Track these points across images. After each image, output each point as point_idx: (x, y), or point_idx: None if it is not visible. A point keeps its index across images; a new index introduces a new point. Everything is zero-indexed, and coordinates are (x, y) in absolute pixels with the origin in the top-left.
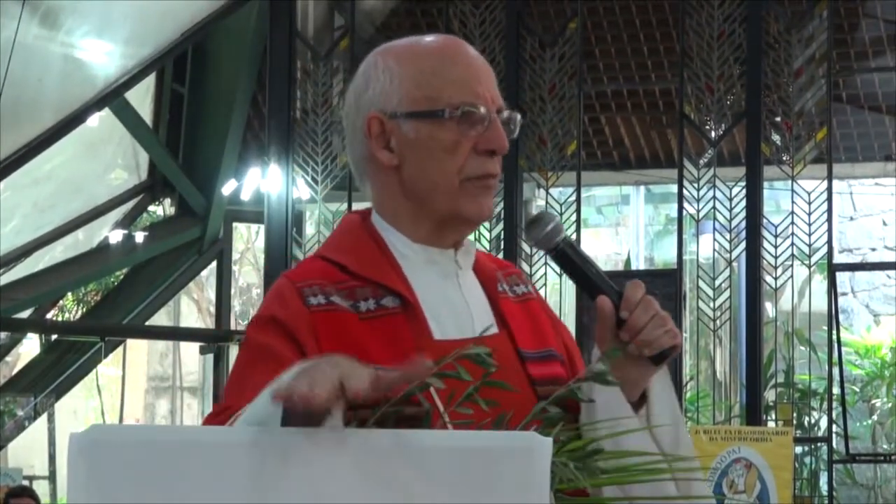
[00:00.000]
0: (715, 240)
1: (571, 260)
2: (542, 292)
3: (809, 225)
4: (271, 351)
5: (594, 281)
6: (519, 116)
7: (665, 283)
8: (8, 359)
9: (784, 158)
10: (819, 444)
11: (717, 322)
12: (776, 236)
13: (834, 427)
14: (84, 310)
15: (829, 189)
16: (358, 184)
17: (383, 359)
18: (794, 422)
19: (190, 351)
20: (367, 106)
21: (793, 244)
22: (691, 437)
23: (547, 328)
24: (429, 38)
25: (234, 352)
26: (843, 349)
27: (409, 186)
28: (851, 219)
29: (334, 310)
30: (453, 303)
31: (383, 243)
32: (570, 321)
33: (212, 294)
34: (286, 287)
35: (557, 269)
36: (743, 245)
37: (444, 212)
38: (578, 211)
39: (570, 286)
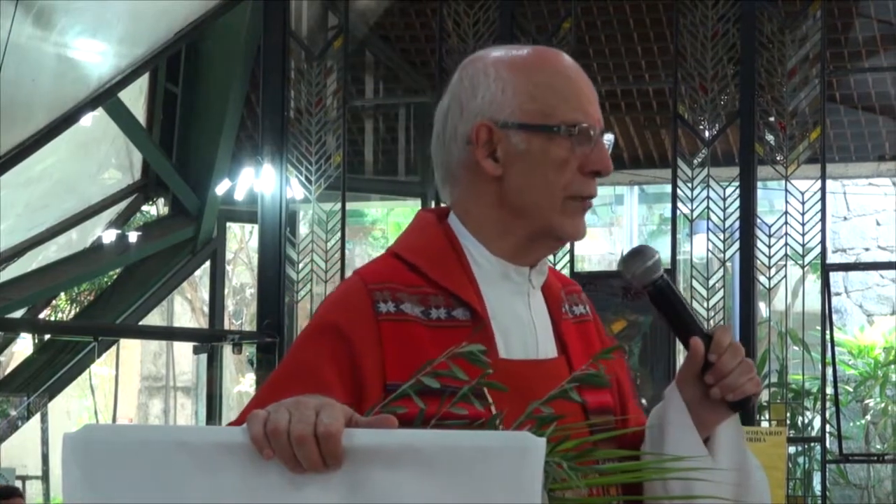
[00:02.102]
0: (709, 240)
1: (668, 298)
2: None
3: (803, 225)
4: (315, 373)
5: (687, 321)
6: (612, 137)
7: None
8: (1, 358)
9: (778, 158)
10: (812, 444)
11: (711, 322)
12: (770, 236)
13: (827, 427)
14: (77, 309)
15: (823, 189)
16: (439, 187)
17: (440, 368)
18: (788, 422)
19: (183, 351)
20: (474, 113)
21: (786, 244)
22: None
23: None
24: (529, 49)
25: (227, 351)
26: (837, 349)
27: (509, 198)
28: (845, 219)
29: (403, 319)
30: (522, 322)
31: (460, 249)
32: None
33: (205, 294)
34: (357, 290)
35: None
36: (737, 245)
37: (540, 227)
38: None
39: None
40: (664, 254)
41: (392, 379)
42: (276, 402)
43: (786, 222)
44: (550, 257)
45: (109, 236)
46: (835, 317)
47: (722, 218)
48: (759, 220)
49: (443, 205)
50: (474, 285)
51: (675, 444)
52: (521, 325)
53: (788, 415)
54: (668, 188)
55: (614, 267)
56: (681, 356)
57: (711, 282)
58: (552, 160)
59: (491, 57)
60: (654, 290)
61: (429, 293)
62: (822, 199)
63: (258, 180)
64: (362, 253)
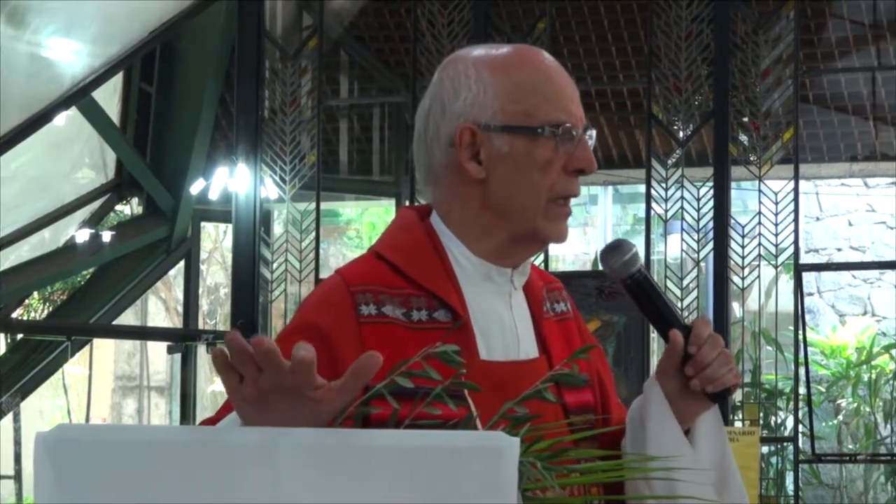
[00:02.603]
0: (683, 240)
1: (646, 291)
2: None
3: (776, 225)
4: None
5: (665, 314)
6: (595, 133)
7: None
8: None
9: (751, 159)
10: (785, 444)
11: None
12: (743, 236)
13: (800, 427)
14: (50, 309)
15: (796, 189)
16: (421, 188)
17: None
18: (761, 421)
19: (157, 350)
20: (457, 115)
21: (760, 244)
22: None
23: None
24: (509, 49)
25: (201, 351)
26: (810, 349)
27: (493, 200)
28: (818, 219)
29: (384, 322)
30: (503, 323)
31: (442, 249)
32: None
33: (179, 293)
34: (339, 291)
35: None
36: (710, 245)
37: (524, 230)
38: None
39: None
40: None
41: (374, 382)
42: None
43: (759, 222)
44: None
45: (83, 236)
46: (807, 317)
47: (696, 218)
48: (732, 221)
49: (423, 202)
50: (456, 286)
51: (657, 436)
52: (503, 326)
53: (761, 415)
54: (643, 188)
55: (588, 267)
56: (655, 357)
57: (685, 282)
58: (536, 161)
59: (471, 57)
60: (633, 282)
61: (410, 294)
62: (796, 199)
63: (232, 180)
64: (337, 253)
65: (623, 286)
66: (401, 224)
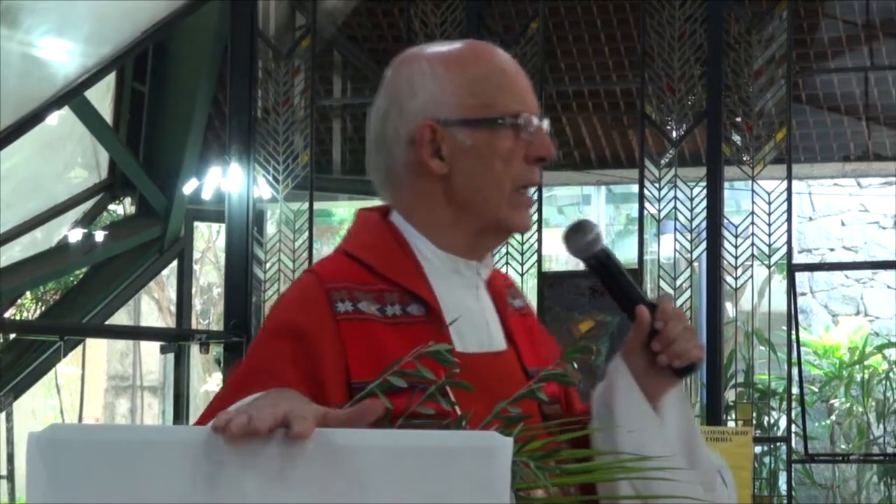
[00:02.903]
0: (676, 240)
1: (609, 269)
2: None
3: (769, 225)
4: (276, 374)
5: (628, 291)
6: (548, 123)
7: None
8: None
9: (744, 159)
10: (778, 444)
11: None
12: (736, 236)
13: (793, 427)
14: (43, 309)
15: (789, 189)
16: (378, 190)
17: (406, 367)
18: (754, 421)
19: (150, 350)
20: (415, 113)
21: (753, 244)
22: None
23: (539, 344)
24: (462, 44)
25: (194, 351)
26: (802, 349)
27: (458, 195)
28: (810, 219)
29: (361, 318)
30: (474, 315)
31: (408, 246)
32: None
33: (172, 293)
34: (314, 288)
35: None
36: (704, 245)
37: (490, 221)
38: (540, 211)
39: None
40: (632, 254)
41: (357, 377)
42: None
43: (752, 222)
44: (518, 257)
45: (75, 235)
46: (800, 317)
47: (689, 218)
48: (725, 221)
49: (381, 204)
50: (426, 281)
51: (626, 413)
52: (474, 319)
53: (754, 414)
54: (636, 188)
55: (582, 267)
56: None
57: (679, 282)
58: (498, 152)
59: (425, 55)
60: (596, 261)
61: (383, 290)
62: (788, 199)
63: (225, 180)
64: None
65: (587, 265)
66: (364, 225)
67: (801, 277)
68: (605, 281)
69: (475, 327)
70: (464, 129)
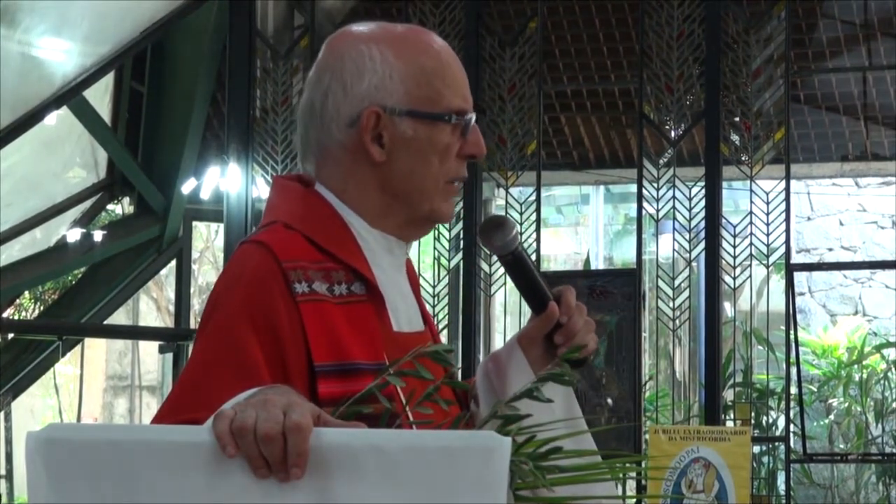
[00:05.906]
0: (674, 239)
1: (525, 265)
2: (500, 293)
3: (767, 225)
4: (241, 355)
5: (538, 287)
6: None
7: (624, 283)
8: None
9: (742, 158)
10: (777, 444)
11: (677, 322)
12: (735, 236)
13: (791, 427)
14: (41, 308)
15: (787, 189)
16: (305, 163)
17: (356, 346)
18: (752, 421)
19: (149, 350)
20: (360, 97)
21: (751, 244)
22: (650, 437)
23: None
24: (405, 29)
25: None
26: (801, 349)
27: (392, 184)
28: (809, 219)
29: (316, 299)
30: (405, 294)
31: (344, 223)
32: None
33: (171, 293)
34: (270, 266)
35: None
36: (702, 245)
37: (421, 212)
38: (538, 210)
39: None
40: (630, 254)
41: (319, 360)
42: (206, 385)
43: (751, 222)
44: None
45: (74, 235)
46: (799, 317)
47: (687, 218)
48: (724, 221)
49: (296, 173)
50: (365, 259)
51: (564, 406)
52: (405, 298)
53: (753, 414)
54: (634, 188)
55: (580, 266)
56: (646, 355)
57: (677, 282)
58: (437, 147)
59: (373, 37)
60: (513, 259)
61: (330, 269)
62: (787, 199)
63: (224, 179)
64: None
65: (502, 261)
66: (290, 194)
67: (799, 277)
68: (517, 276)
69: (406, 307)
70: (407, 120)
